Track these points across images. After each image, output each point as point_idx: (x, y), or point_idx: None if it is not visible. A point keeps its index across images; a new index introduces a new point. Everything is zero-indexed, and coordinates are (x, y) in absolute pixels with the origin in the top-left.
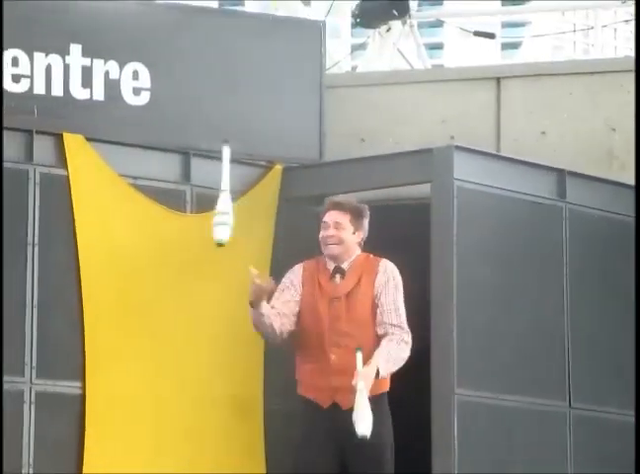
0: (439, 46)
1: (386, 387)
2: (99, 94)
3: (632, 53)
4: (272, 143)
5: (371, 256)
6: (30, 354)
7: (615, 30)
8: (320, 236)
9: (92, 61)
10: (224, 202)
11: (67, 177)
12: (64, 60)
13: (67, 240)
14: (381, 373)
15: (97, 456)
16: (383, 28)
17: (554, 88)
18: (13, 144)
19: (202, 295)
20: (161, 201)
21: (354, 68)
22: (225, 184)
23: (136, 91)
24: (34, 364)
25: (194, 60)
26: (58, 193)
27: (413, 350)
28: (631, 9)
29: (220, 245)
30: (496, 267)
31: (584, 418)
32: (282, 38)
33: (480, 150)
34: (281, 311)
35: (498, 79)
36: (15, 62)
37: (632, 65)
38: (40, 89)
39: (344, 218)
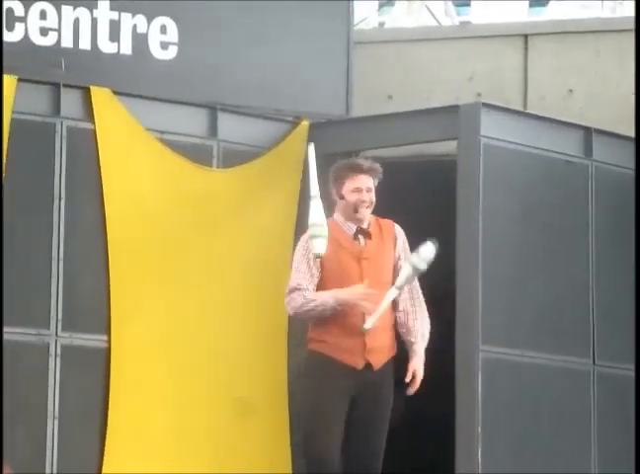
0: (466, 3)
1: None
2: (126, 48)
3: None
4: (299, 99)
5: (379, 218)
6: (55, 307)
7: None
8: (353, 200)
9: (120, 15)
10: (317, 213)
11: (94, 130)
12: (92, 14)
13: (94, 193)
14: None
15: (121, 408)
16: None
17: (582, 46)
18: (40, 98)
19: (228, 249)
20: (188, 156)
21: (381, 24)
22: (315, 190)
23: (164, 45)
24: (59, 317)
25: (221, 15)
26: (85, 146)
27: (438, 308)
28: None
29: (318, 257)
30: (521, 224)
31: (607, 375)
32: None
33: (507, 108)
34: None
35: (525, 36)
36: (43, 15)
37: None
38: (67, 42)
39: (372, 182)
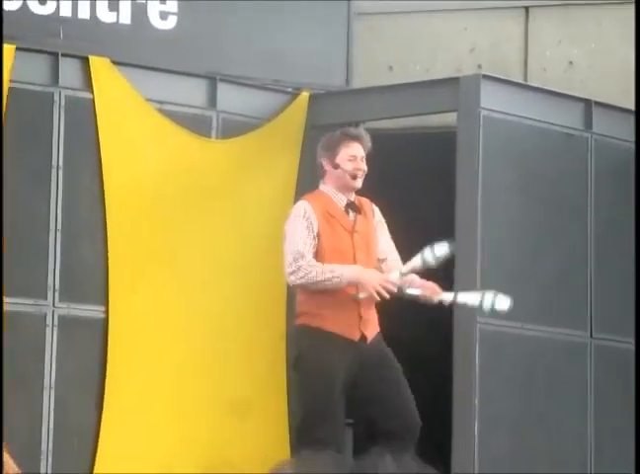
0: None
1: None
2: (125, 17)
3: None
4: (299, 70)
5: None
6: (53, 277)
7: None
8: (350, 168)
9: None
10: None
11: (93, 100)
12: None
13: (92, 163)
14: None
15: (119, 379)
16: None
17: (583, 18)
18: (39, 67)
19: (227, 219)
20: (187, 127)
21: None
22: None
23: (163, 15)
24: (56, 288)
25: None
26: (84, 116)
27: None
28: None
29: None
30: (520, 196)
31: (604, 348)
32: None
33: (507, 79)
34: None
35: (527, 8)
36: None
37: None
38: (66, 11)
39: (364, 152)
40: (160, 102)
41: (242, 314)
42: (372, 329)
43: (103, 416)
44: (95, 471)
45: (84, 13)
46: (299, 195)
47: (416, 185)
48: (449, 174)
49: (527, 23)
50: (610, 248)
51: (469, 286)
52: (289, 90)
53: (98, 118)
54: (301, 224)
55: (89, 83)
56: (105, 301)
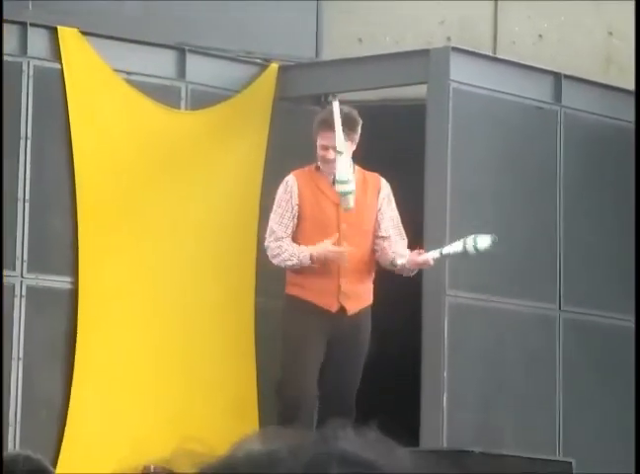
0: None
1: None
2: None
3: None
4: (269, 41)
5: (366, 171)
6: (21, 248)
7: None
8: (320, 155)
9: None
10: (343, 169)
11: (61, 71)
12: None
13: (61, 134)
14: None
15: (89, 351)
16: None
17: None
18: (7, 37)
19: (195, 191)
20: (156, 98)
21: None
22: (341, 145)
23: None
24: (25, 258)
25: None
26: (52, 86)
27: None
28: None
29: (347, 210)
30: (490, 169)
31: (573, 321)
32: None
33: (477, 52)
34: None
35: None
36: None
37: None
38: None
39: (345, 137)
40: (129, 73)
41: (211, 287)
42: (357, 302)
43: (72, 388)
44: (63, 443)
45: None
46: (269, 166)
47: (386, 157)
48: (420, 146)
49: None
50: (580, 221)
51: (439, 261)
52: (259, 61)
53: (67, 88)
54: (279, 200)
55: (57, 53)
56: (73, 272)
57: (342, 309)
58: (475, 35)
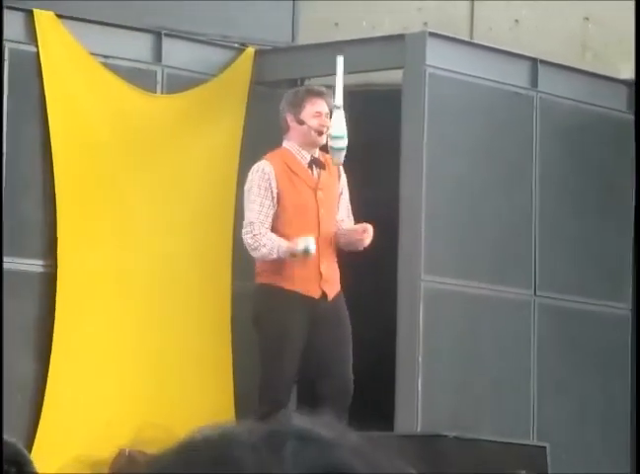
0: None
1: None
2: None
3: None
4: (245, 26)
5: (322, 152)
6: None
7: None
8: (315, 124)
9: None
10: (340, 124)
11: (37, 54)
12: None
13: (37, 118)
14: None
15: (66, 335)
16: None
17: None
18: None
19: (172, 175)
20: (132, 81)
21: None
22: (339, 99)
23: None
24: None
25: None
26: (28, 69)
27: (380, 238)
28: None
29: (336, 165)
30: (466, 154)
31: (548, 306)
32: None
33: (453, 37)
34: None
35: None
36: None
37: None
38: None
39: (328, 108)
40: (105, 56)
41: (187, 271)
42: (333, 287)
43: (49, 372)
44: (39, 427)
45: None
46: (245, 150)
47: (362, 142)
48: (396, 131)
49: None
50: (555, 206)
51: (415, 247)
52: (235, 46)
53: (43, 72)
54: (258, 189)
55: (34, 37)
56: (49, 255)
57: (323, 294)
58: (452, 20)
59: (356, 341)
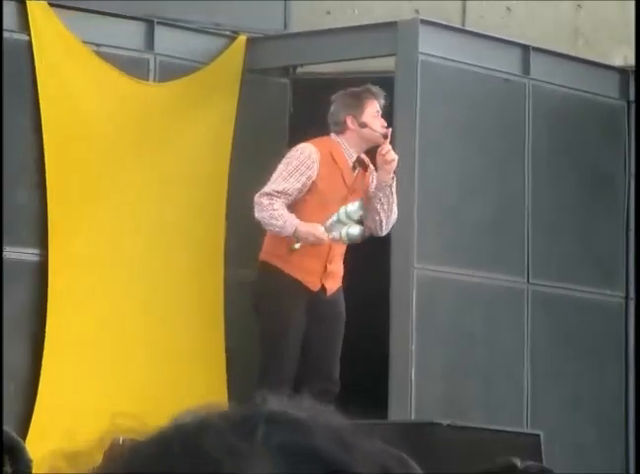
0: None
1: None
2: None
3: None
4: (237, 13)
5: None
6: None
7: None
8: (378, 127)
9: None
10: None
11: (30, 42)
12: None
13: (29, 106)
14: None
15: (60, 322)
16: None
17: None
18: None
19: (164, 163)
20: (124, 70)
21: None
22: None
23: None
24: None
25: None
26: (21, 58)
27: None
28: None
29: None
30: (459, 141)
31: (542, 294)
32: None
33: (445, 24)
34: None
35: None
36: None
37: None
38: None
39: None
40: (97, 44)
41: (181, 258)
42: (334, 282)
43: (43, 360)
44: (33, 416)
45: None
46: (237, 137)
47: None
48: (388, 118)
49: None
50: (547, 193)
51: (407, 235)
52: (227, 33)
53: (35, 60)
54: (299, 165)
55: (26, 25)
56: (42, 244)
57: (322, 288)
58: (444, 7)
59: (348, 328)
